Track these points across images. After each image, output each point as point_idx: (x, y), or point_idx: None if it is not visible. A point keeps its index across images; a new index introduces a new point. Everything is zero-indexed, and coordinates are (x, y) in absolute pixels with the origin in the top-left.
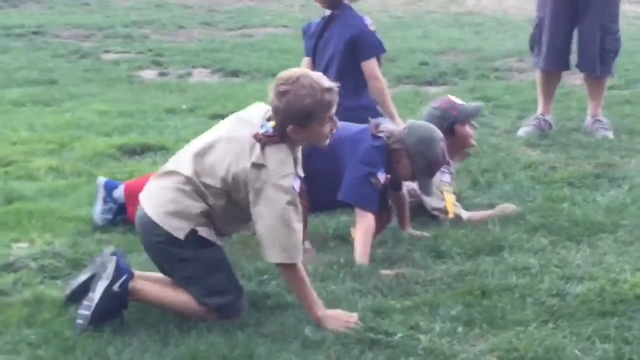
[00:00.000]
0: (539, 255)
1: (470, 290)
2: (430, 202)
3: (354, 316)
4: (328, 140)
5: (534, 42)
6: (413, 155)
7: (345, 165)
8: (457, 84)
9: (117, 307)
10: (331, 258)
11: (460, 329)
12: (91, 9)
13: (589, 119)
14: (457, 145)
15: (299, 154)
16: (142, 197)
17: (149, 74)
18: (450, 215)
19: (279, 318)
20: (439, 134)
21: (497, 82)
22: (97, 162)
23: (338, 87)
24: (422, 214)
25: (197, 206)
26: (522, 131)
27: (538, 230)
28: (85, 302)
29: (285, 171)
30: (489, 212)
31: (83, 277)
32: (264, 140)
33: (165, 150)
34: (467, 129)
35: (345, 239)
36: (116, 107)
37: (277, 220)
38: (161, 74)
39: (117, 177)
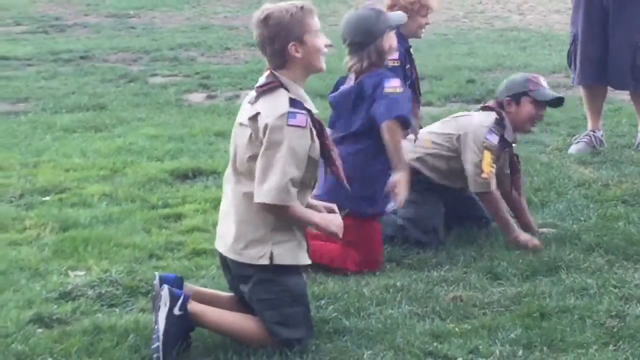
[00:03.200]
0: (596, 276)
1: (528, 313)
2: (465, 153)
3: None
4: (324, 61)
5: (571, 58)
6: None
7: None
8: None
9: (184, 330)
10: (387, 281)
11: (520, 352)
12: (137, 32)
13: None
14: (515, 118)
15: (303, 93)
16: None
17: (197, 97)
18: (484, 175)
19: (338, 344)
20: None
21: None
22: (149, 187)
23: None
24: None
25: (263, 218)
26: (574, 148)
27: (594, 249)
28: (153, 337)
29: (277, 112)
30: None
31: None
32: (257, 93)
33: (217, 175)
34: (532, 109)
35: (400, 262)
36: (166, 131)
37: (274, 160)
38: (209, 97)
39: (170, 202)
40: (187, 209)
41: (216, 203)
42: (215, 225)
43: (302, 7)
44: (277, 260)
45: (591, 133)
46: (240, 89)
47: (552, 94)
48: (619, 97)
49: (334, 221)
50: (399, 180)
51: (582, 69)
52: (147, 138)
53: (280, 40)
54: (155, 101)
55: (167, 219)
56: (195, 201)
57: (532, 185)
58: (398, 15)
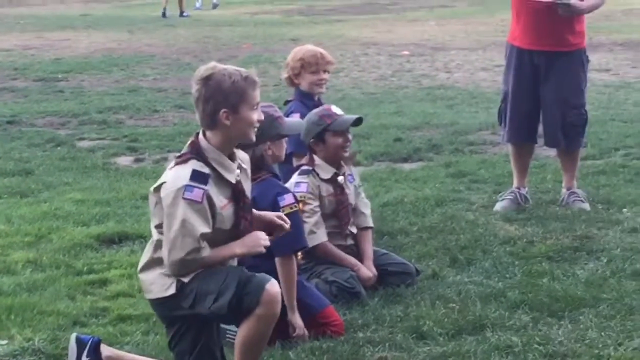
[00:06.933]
0: (521, 333)
1: None
2: None
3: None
4: (254, 133)
5: (501, 116)
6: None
7: None
8: (432, 159)
9: None
10: (313, 344)
11: None
12: (65, 96)
13: (564, 192)
14: (328, 154)
15: (224, 159)
16: None
17: (125, 160)
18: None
19: None
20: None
21: (472, 157)
22: (75, 253)
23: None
24: None
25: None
26: (499, 206)
27: (519, 307)
28: None
29: (176, 185)
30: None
31: None
32: (174, 163)
33: (143, 239)
34: (337, 140)
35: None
36: (93, 195)
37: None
38: (137, 160)
39: (95, 268)
40: (113, 274)
41: None
42: (140, 290)
43: (246, 77)
44: (187, 279)
45: (516, 190)
46: (169, 151)
47: (348, 119)
48: (545, 153)
49: (255, 241)
50: (299, 330)
51: (512, 126)
52: (73, 203)
53: (214, 104)
54: (82, 165)
55: (92, 284)
56: (121, 266)
57: (458, 243)
58: (296, 124)
